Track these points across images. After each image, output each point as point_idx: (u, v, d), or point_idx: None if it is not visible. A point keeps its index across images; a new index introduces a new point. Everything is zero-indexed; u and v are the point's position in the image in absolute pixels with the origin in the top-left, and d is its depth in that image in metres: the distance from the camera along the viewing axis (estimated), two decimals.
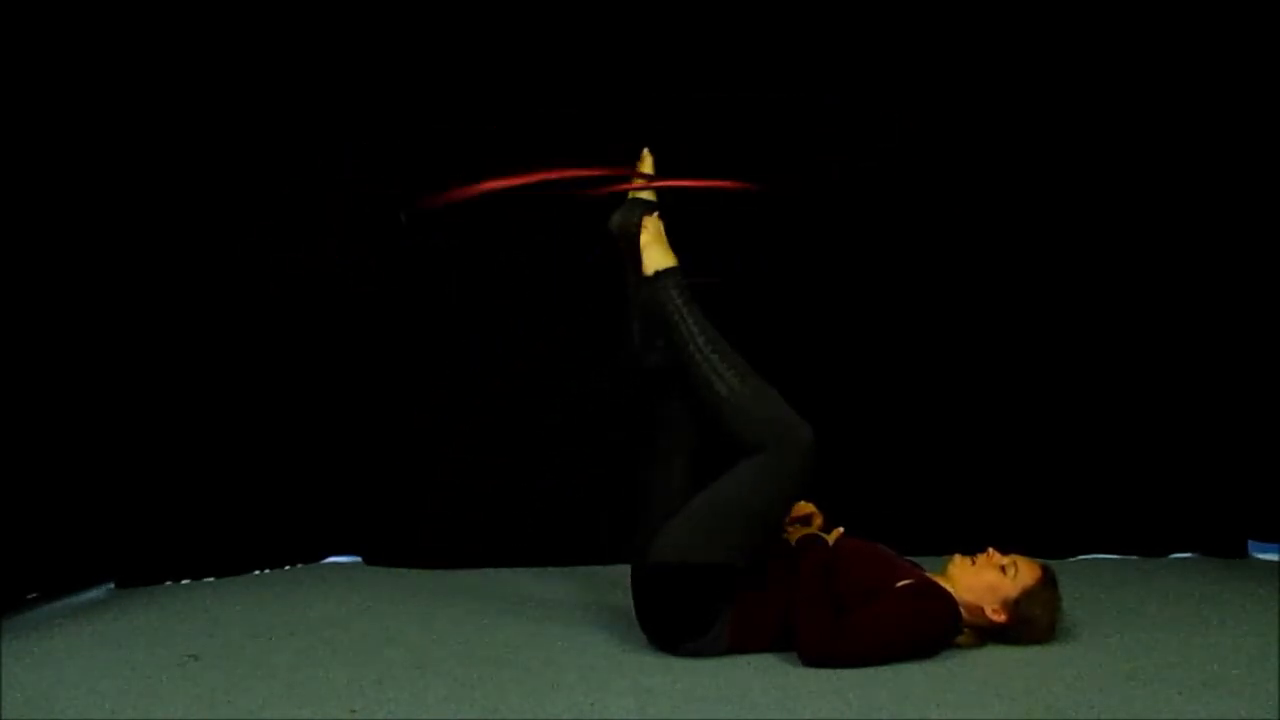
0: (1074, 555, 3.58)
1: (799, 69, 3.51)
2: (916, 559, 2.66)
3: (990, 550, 2.52)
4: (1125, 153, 3.55)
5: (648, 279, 2.58)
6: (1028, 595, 2.47)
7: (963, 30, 3.52)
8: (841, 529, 2.62)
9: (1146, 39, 3.50)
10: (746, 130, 3.45)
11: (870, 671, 2.30)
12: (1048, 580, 2.51)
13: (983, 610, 2.47)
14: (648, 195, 2.70)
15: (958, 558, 2.54)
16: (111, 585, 3.24)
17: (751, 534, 2.44)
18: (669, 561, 2.43)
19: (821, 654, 2.34)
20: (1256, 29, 3.43)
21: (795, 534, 2.58)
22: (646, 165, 2.72)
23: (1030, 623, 2.48)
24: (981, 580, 2.48)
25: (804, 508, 2.67)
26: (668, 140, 2.82)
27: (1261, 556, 3.57)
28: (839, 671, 2.30)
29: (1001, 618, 2.46)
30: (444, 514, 3.56)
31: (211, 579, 3.33)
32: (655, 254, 2.59)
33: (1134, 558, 3.57)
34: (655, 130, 2.89)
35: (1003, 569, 2.48)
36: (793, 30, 3.51)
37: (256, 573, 3.42)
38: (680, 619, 2.45)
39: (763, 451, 2.40)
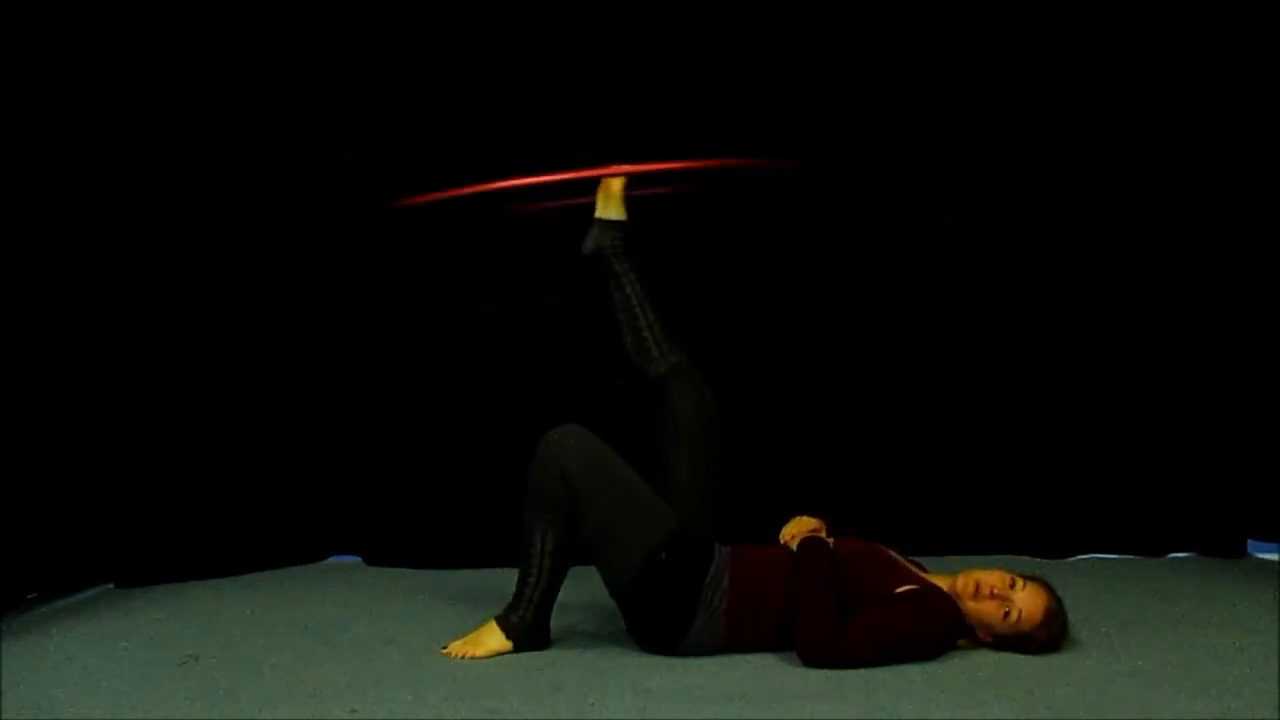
0: (1074, 555, 3.58)
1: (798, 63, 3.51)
2: (916, 559, 2.65)
3: (998, 578, 2.42)
4: (1125, 153, 3.54)
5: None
6: (1023, 636, 2.42)
7: (959, 26, 3.52)
8: (832, 540, 2.58)
9: (1146, 36, 3.50)
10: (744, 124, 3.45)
11: (870, 671, 2.30)
12: (1049, 618, 2.41)
13: (975, 631, 2.46)
14: (615, 215, 2.83)
15: (962, 579, 2.45)
16: (111, 585, 3.25)
17: (634, 504, 2.47)
18: (621, 587, 2.48)
19: (822, 655, 2.34)
20: (1257, 29, 3.43)
21: (798, 537, 2.57)
22: (615, 187, 2.84)
23: (1029, 640, 2.42)
24: (980, 612, 2.42)
25: (809, 522, 2.64)
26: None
27: (1261, 556, 3.57)
28: (839, 671, 2.30)
29: (991, 640, 2.45)
30: (444, 514, 3.57)
31: (211, 579, 3.33)
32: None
33: (1133, 557, 3.57)
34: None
35: (1006, 615, 2.39)
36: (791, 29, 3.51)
37: (256, 573, 3.42)
38: (661, 622, 2.46)
39: None
